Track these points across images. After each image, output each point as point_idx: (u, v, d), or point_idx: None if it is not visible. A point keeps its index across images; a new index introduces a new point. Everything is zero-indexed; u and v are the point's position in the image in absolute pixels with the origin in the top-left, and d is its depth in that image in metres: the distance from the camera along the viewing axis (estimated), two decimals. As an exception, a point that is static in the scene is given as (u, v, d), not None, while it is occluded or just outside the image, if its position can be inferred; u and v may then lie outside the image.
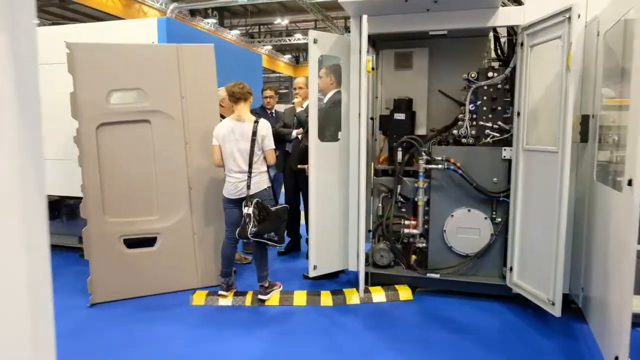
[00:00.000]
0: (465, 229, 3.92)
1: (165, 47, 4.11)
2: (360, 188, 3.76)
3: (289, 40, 21.09)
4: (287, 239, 5.33)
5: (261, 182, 3.69)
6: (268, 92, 5.25)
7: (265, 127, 3.66)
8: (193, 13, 17.08)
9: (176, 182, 4.03)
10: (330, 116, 4.25)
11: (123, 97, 3.96)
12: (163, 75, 3.93)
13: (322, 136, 4.01)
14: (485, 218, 3.87)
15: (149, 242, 4.06)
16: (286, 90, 30.75)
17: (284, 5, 18.94)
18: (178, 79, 3.97)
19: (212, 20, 17.67)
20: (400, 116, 4.15)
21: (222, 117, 4.00)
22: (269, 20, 20.48)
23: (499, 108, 3.81)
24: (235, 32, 19.79)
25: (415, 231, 4.03)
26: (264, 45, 21.25)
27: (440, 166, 3.88)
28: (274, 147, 3.72)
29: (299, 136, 4.93)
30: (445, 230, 3.96)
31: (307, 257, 4.48)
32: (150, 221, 3.99)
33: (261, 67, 6.19)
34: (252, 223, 3.51)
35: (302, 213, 5.12)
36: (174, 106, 3.97)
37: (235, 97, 3.67)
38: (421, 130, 4.38)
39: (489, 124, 3.83)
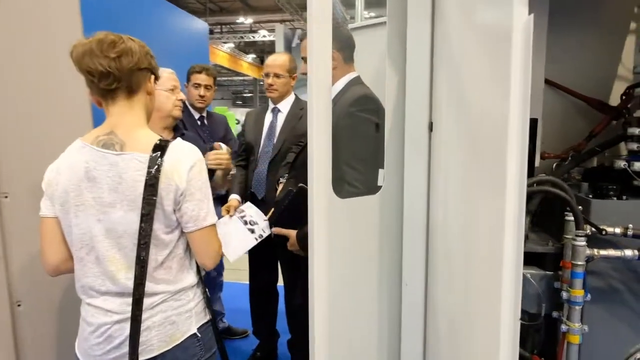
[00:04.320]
0: (676, 393, 1.68)
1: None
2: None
3: (253, 37, 18.98)
4: (255, 341, 3.11)
5: (179, 321, 1.29)
6: (202, 77, 2.81)
7: (187, 164, 1.27)
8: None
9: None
10: (346, 137, 1.94)
11: None
12: None
13: (338, 183, 1.64)
14: None
15: None
16: (251, 95, 28.23)
17: (248, 5, 16.90)
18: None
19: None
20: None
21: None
22: (232, 20, 18.27)
23: None
24: (191, 27, 17.39)
25: (557, 400, 1.73)
26: (224, 43, 18.93)
27: (629, 254, 1.61)
28: (214, 220, 1.32)
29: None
30: (626, 396, 1.71)
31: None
32: None
33: (207, 41, 3.73)
34: None
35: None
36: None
37: (97, 77, 1.25)
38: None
39: None
